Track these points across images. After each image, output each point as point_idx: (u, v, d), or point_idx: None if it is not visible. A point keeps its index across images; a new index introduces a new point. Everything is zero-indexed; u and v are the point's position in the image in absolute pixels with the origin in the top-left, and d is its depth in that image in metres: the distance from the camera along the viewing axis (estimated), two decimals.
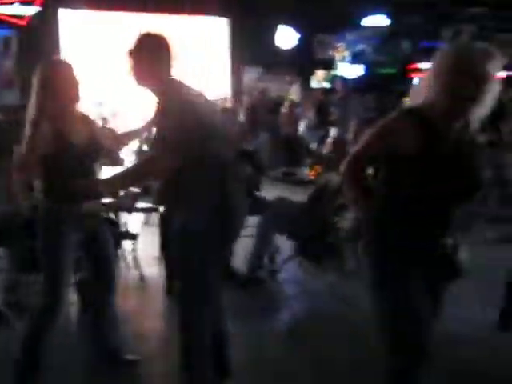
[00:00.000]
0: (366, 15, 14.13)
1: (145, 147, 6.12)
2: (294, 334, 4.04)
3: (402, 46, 12.39)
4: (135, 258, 4.92)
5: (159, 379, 3.35)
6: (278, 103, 10.60)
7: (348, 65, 12.82)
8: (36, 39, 9.65)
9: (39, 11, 9.52)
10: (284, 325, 4.25)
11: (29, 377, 2.98)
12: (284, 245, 5.16)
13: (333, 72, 12.79)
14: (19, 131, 2.93)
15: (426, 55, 13.39)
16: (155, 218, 5.38)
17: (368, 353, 2.25)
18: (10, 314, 3.85)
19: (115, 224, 4.58)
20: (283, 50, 14.02)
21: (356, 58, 12.67)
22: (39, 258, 2.95)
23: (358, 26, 12.84)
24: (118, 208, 4.58)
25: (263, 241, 4.70)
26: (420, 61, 12.91)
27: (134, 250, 4.93)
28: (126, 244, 4.90)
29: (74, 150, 2.89)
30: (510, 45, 11.62)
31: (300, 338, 3.91)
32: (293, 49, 14.03)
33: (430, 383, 2.29)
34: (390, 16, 14.16)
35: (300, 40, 13.98)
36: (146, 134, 3.75)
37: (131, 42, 2.77)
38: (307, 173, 5.62)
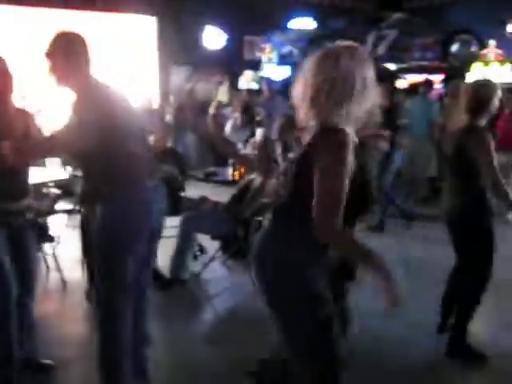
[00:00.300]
0: (293, 18, 14.37)
1: None
2: (216, 334, 4.07)
3: None
4: (56, 261, 4.83)
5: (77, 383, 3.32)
6: (205, 104, 10.61)
7: (275, 66, 12.98)
8: None
9: None
10: (207, 325, 4.29)
11: None
12: (208, 245, 5.20)
13: (260, 73, 12.94)
14: None
15: None
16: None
17: None
18: None
19: (38, 226, 4.48)
20: (212, 51, 14.04)
21: (283, 60, 12.84)
22: None
23: (284, 29, 13.03)
24: (37, 211, 4.48)
25: (186, 241, 4.71)
26: None
27: (54, 253, 4.83)
28: (47, 247, 4.80)
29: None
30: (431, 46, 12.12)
31: (223, 338, 3.95)
32: (221, 49, 14.08)
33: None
34: (316, 19, 14.45)
35: (228, 40, 14.04)
36: None
37: (47, 42, 2.76)
38: (231, 173, 5.65)
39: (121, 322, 2.83)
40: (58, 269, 4.78)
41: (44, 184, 4.92)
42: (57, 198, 4.68)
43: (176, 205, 5.19)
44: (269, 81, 10.29)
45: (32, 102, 8.56)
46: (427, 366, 3.56)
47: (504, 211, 7.00)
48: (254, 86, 12.68)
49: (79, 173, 3.18)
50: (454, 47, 11.61)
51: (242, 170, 5.41)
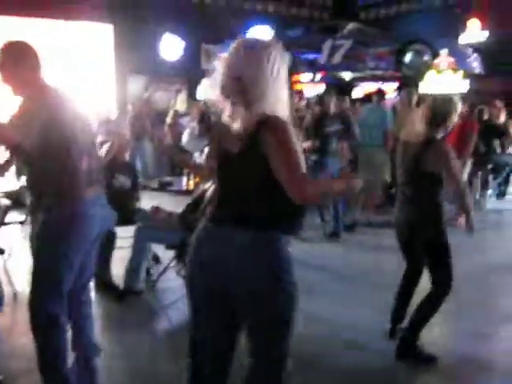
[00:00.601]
0: (251, 26, 14.46)
1: None
2: (171, 343, 4.06)
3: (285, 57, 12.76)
4: (7, 274, 4.74)
5: None
6: (163, 113, 10.59)
7: None
8: None
9: None
10: (161, 335, 4.27)
11: None
12: (163, 254, 5.19)
13: None
14: None
15: (307, 67, 13.94)
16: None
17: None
18: None
19: None
20: (170, 59, 14.01)
21: None
22: None
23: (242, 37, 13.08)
24: None
25: (140, 251, 4.69)
26: (301, 72, 13.39)
27: (5, 265, 4.75)
28: None
29: None
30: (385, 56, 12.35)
31: (178, 348, 3.92)
32: (179, 58, 14.07)
33: None
34: (273, 28, 14.59)
35: (186, 49, 14.05)
36: None
37: None
38: (186, 182, 5.65)
39: (56, 330, 2.86)
40: (10, 281, 4.70)
41: None
42: (7, 209, 4.60)
43: (130, 215, 5.18)
44: None
45: None
46: (376, 371, 3.61)
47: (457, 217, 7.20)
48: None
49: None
50: (408, 56, 11.86)
51: (197, 179, 5.41)
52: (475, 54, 11.95)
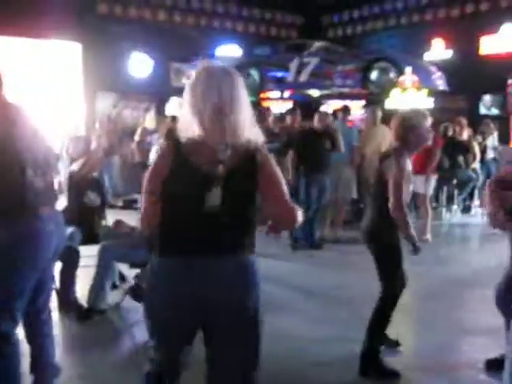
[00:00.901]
0: (220, 45, 14.57)
1: None
2: (135, 362, 4.02)
3: (252, 75, 12.88)
4: None
5: None
6: (131, 130, 10.57)
7: None
8: None
9: None
10: (125, 354, 4.24)
11: None
12: (128, 273, 5.15)
13: None
14: None
15: (275, 85, 14.05)
16: None
17: None
18: None
19: None
20: (139, 77, 14.02)
21: None
22: None
23: (211, 56, 13.17)
24: None
25: (105, 270, 4.66)
26: (269, 90, 13.50)
27: None
28: None
29: None
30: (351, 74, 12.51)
31: (141, 367, 3.89)
32: (148, 76, 14.08)
33: None
34: (242, 46, 14.71)
35: (155, 67, 14.07)
36: None
37: None
38: None
39: (7, 349, 2.79)
40: None
41: None
42: None
43: (95, 233, 5.15)
44: None
45: None
46: None
47: (422, 232, 7.33)
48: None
49: None
50: (373, 74, 12.05)
51: None
52: (439, 72, 12.20)
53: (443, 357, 4.03)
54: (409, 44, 13.90)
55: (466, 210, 10.23)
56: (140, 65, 14.00)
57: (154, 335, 2.29)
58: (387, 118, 8.37)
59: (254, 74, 12.93)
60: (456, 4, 14.12)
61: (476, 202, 10.30)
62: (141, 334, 4.41)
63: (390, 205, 3.49)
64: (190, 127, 2.12)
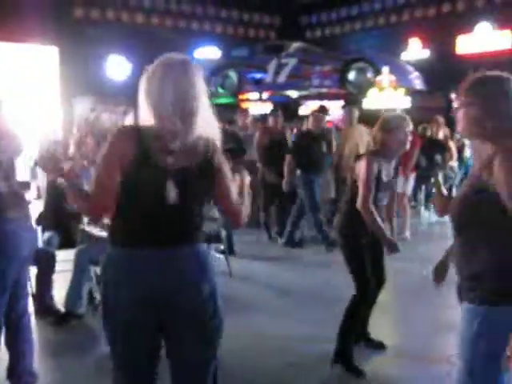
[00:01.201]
0: (199, 47, 14.54)
1: None
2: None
3: (231, 77, 12.90)
4: None
5: None
6: (109, 133, 10.50)
7: None
8: None
9: None
10: (102, 357, 4.19)
11: None
12: None
13: None
14: None
15: (254, 86, 14.06)
16: None
17: None
18: None
19: None
20: (116, 80, 13.95)
21: None
22: None
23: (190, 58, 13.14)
24: None
25: (82, 274, 4.61)
26: (248, 91, 13.51)
27: None
28: None
29: None
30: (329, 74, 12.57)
31: None
32: (126, 79, 14.01)
33: None
34: (220, 48, 14.70)
35: (133, 70, 14.01)
36: None
37: None
38: None
39: None
40: None
41: None
42: None
43: (73, 238, 5.11)
44: None
45: None
46: None
47: (401, 230, 7.37)
48: None
49: None
50: (351, 74, 12.11)
51: None
52: (416, 72, 12.29)
53: (421, 351, 4.06)
54: (387, 44, 14.01)
55: None
56: (118, 68, 13.92)
57: (114, 340, 2.25)
58: (365, 117, 8.43)
59: (233, 75, 12.94)
60: (433, 4, 14.26)
61: None
62: None
63: (358, 204, 3.52)
64: (146, 118, 2.13)
